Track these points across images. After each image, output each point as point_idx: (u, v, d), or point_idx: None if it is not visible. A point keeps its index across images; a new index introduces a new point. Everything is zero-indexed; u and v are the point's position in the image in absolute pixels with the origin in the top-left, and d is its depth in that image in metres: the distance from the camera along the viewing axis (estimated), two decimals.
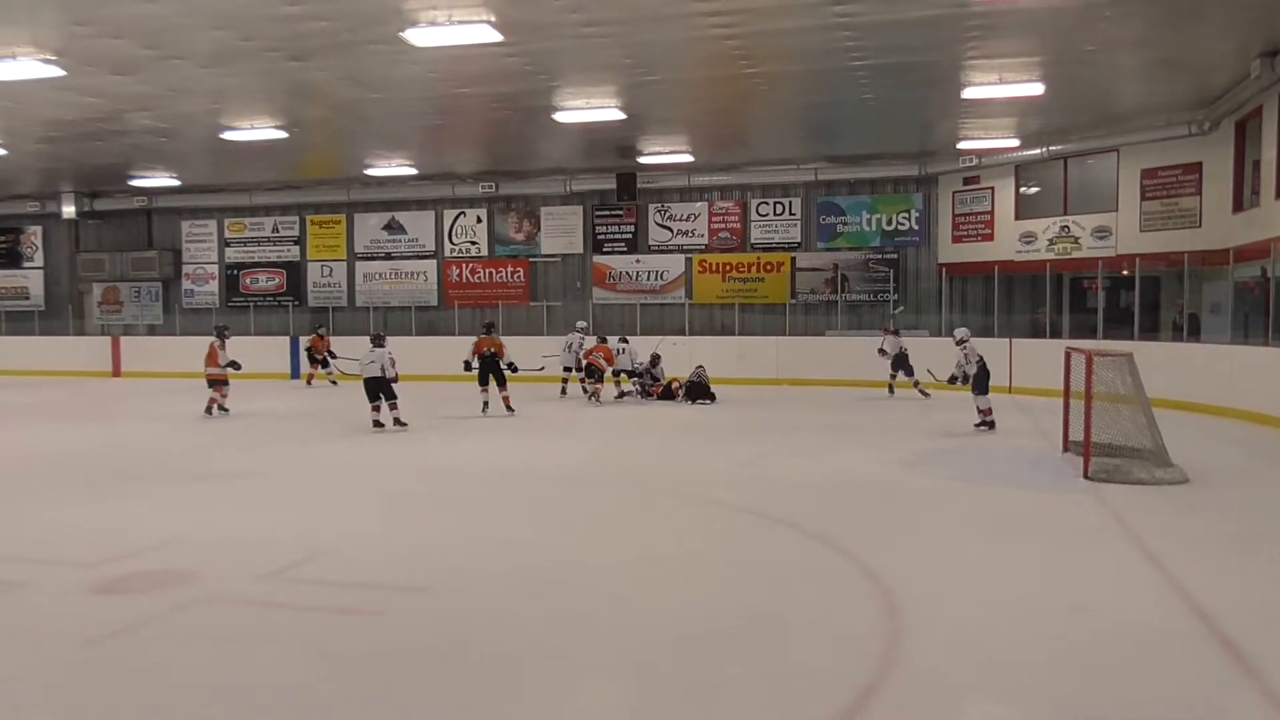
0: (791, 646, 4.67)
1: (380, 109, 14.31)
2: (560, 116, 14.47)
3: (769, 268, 20.71)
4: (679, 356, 16.96)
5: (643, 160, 19.05)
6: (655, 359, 16.56)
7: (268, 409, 14.75)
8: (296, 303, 23.43)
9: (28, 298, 25.33)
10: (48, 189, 23.11)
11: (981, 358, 12.06)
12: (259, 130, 15.50)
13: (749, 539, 6.90)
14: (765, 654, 4.58)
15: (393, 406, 12.20)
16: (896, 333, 16.47)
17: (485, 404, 13.92)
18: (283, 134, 15.77)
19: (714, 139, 17.79)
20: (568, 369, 16.88)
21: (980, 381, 11.90)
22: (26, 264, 25.39)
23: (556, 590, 5.61)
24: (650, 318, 20.80)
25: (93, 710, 4.05)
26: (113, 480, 9.16)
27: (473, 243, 22.46)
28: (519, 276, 22.18)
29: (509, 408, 13.80)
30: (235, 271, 23.93)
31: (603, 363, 15.87)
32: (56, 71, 11.33)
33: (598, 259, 21.69)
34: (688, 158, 19.05)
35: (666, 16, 10.00)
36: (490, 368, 13.87)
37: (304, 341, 20.24)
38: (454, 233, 22.57)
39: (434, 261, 22.67)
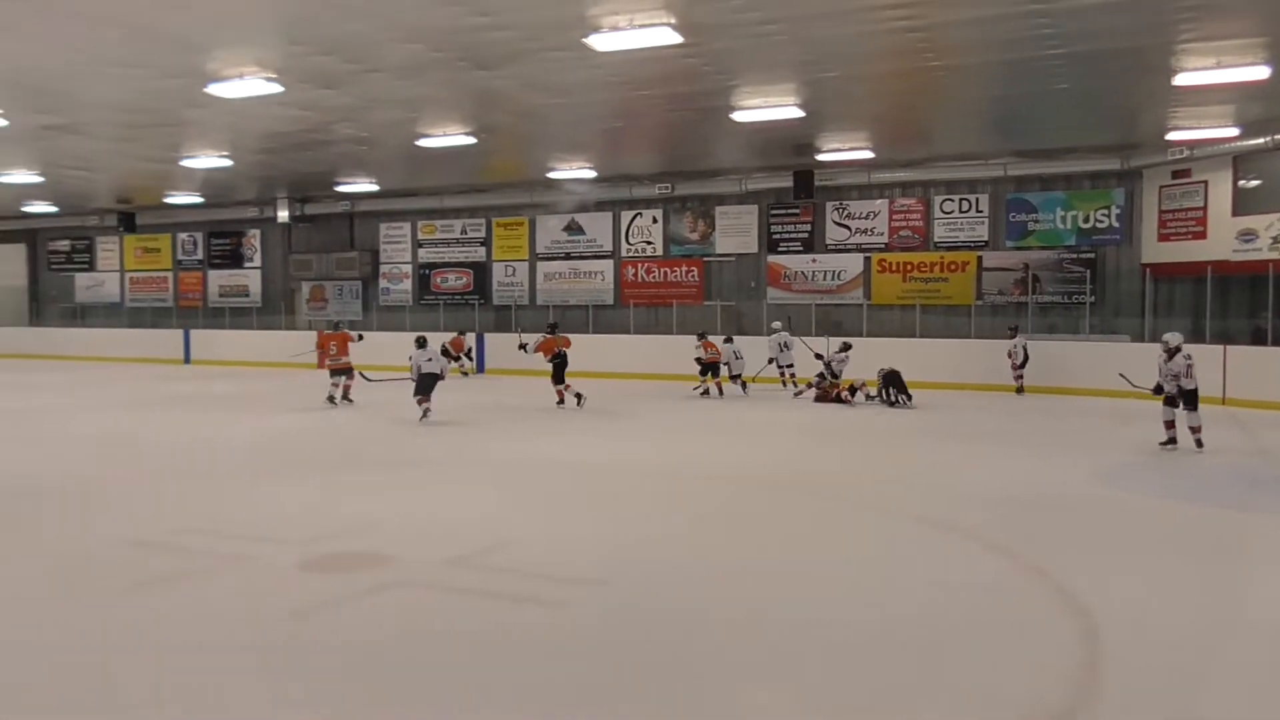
0: (977, 664, 4.47)
1: (562, 114, 14.73)
2: (738, 116, 14.42)
3: (953, 267, 19.87)
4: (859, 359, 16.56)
5: (821, 158, 18.70)
6: (846, 347, 16.47)
7: (445, 401, 15.45)
8: (482, 301, 24.55)
9: (248, 295, 27.84)
10: (265, 196, 25.33)
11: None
12: (450, 137, 16.33)
13: (927, 549, 6.65)
14: (949, 670, 4.40)
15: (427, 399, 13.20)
16: (1015, 331, 16.90)
17: (563, 399, 14.80)
18: (471, 140, 16.54)
19: (895, 135, 17.24)
20: (788, 366, 17.62)
21: (1193, 396, 10.84)
22: (247, 264, 27.93)
23: (730, 591, 5.61)
24: (826, 318, 20.42)
25: (299, 677, 4.41)
26: (312, 465, 9.91)
27: (648, 243, 22.79)
28: (693, 276, 22.31)
29: (563, 399, 14.74)
30: (427, 271, 25.34)
31: (718, 358, 16.68)
32: (276, 88, 12.35)
33: (772, 258, 21.50)
34: (868, 154, 18.52)
35: (846, 11, 9.77)
36: (562, 365, 14.89)
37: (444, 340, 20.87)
38: (630, 233, 22.98)
39: (611, 261, 23.17)
